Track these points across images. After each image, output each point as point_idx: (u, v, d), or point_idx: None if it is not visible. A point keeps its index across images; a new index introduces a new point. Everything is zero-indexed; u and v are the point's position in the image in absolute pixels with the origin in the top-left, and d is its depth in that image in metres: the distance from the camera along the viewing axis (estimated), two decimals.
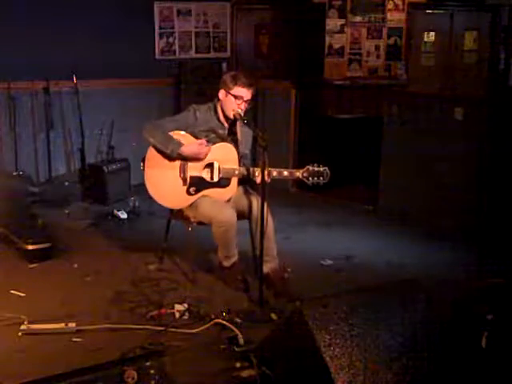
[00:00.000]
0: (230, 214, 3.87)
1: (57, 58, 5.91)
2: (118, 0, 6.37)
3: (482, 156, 4.98)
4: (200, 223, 4.03)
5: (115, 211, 5.53)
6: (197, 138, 3.97)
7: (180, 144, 3.90)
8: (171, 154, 3.92)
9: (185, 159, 3.95)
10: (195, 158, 3.93)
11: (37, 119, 6.16)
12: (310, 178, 3.84)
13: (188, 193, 3.97)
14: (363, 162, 6.20)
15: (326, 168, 3.85)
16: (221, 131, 4.02)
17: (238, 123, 4.04)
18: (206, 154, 3.93)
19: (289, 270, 4.21)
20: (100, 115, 6.29)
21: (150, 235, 4.92)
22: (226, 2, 7.09)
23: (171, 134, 3.95)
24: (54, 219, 5.28)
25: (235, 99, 3.88)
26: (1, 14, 5.76)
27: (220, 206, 3.92)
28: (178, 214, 4.15)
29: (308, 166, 3.84)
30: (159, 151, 3.95)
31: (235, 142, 4.04)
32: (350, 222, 5.52)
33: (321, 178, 3.84)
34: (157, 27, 6.77)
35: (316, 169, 3.83)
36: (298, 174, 3.86)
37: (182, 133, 3.98)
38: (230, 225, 3.86)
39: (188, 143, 3.92)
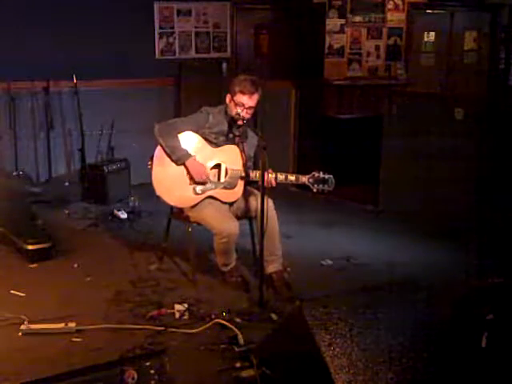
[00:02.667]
0: (232, 227, 3.87)
1: (57, 58, 5.92)
2: (118, 0, 6.37)
3: (482, 156, 4.98)
4: (200, 223, 4.03)
5: (115, 211, 5.53)
6: (206, 140, 3.98)
7: (187, 155, 3.91)
8: (176, 162, 3.93)
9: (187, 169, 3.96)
10: (192, 175, 3.94)
11: (37, 119, 6.17)
12: (316, 185, 3.86)
13: (194, 192, 3.97)
14: (363, 161, 6.20)
15: (331, 176, 3.87)
16: (230, 134, 4.03)
17: (248, 128, 4.04)
18: (204, 180, 3.93)
19: (289, 269, 4.21)
20: (100, 115, 6.29)
21: (150, 235, 4.93)
22: (226, 1, 7.08)
23: (185, 134, 3.95)
24: (54, 219, 5.29)
25: (236, 106, 3.89)
26: (1, 15, 5.77)
27: (223, 216, 3.92)
28: (177, 213, 4.15)
29: (314, 173, 3.87)
30: (166, 153, 3.96)
31: (242, 145, 4.04)
32: (350, 222, 5.52)
33: (326, 186, 3.86)
34: (157, 27, 6.77)
35: (321, 176, 3.86)
36: (304, 179, 3.88)
37: (194, 135, 3.97)
38: (231, 237, 3.86)
39: (197, 161, 3.93)
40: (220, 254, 3.97)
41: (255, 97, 3.92)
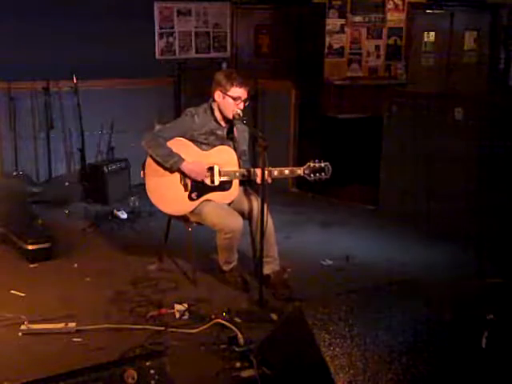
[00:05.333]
0: (237, 222, 3.84)
1: (57, 58, 5.91)
2: (118, 0, 6.37)
3: (482, 156, 4.98)
4: (200, 223, 4.02)
5: (115, 211, 5.53)
6: (197, 142, 3.95)
7: (180, 160, 3.88)
8: (170, 170, 3.90)
9: (183, 173, 3.93)
10: (191, 177, 3.92)
11: (37, 119, 6.16)
12: (312, 175, 3.84)
13: (190, 198, 3.94)
14: (363, 161, 6.20)
15: (328, 163, 3.85)
16: (219, 132, 4.00)
17: (234, 121, 4.01)
18: (205, 177, 3.91)
19: (289, 269, 4.20)
20: (100, 115, 6.29)
21: (150, 235, 4.92)
22: (226, 1, 7.09)
23: (174, 141, 3.92)
24: (54, 219, 5.28)
25: (234, 100, 3.85)
26: (1, 14, 5.76)
27: (226, 213, 3.89)
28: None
29: (309, 163, 3.84)
30: (158, 163, 3.94)
31: (233, 141, 4.03)
32: (350, 222, 5.52)
33: (322, 174, 3.84)
34: (157, 27, 6.77)
35: (317, 165, 3.83)
36: (300, 171, 3.85)
37: (183, 140, 3.94)
38: (236, 233, 3.84)
39: (191, 161, 3.90)
40: (223, 251, 3.96)
41: (248, 87, 3.91)
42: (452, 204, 5.11)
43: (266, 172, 3.65)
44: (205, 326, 3.41)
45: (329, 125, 6.67)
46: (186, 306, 3.62)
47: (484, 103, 5.14)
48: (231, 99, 3.86)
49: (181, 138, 3.94)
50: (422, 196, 5.35)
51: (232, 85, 3.85)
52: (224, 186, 3.94)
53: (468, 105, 5.10)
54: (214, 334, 3.35)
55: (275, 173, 3.82)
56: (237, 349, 3.15)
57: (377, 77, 7.27)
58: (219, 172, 3.93)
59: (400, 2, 7.22)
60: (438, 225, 5.10)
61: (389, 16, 7.22)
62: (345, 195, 6.28)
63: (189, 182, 3.94)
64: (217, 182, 3.94)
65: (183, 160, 3.89)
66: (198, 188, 3.94)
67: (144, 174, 4.00)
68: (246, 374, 2.91)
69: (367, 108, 6.70)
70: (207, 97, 4.02)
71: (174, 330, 3.38)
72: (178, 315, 3.56)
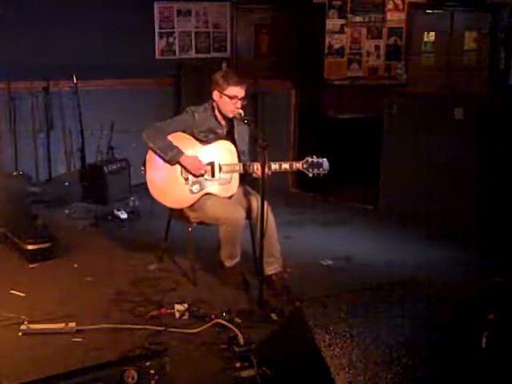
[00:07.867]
0: (239, 214, 3.88)
1: (57, 58, 5.91)
2: (118, 0, 6.37)
3: (482, 156, 4.98)
4: (200, 223, 4.03)
5: (115, 211, 5.53)
6: (196, 139, 3.98)
7: (180, 153, 3.91)
8: (170, 161, 3.92)
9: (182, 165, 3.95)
10: (189, 171, 3.94)
11: (37, 119, 6.16)
12: (310, 170, 3.87)
13: (190, 191, 3.97)
14: (363, 161, 6.20)
15: (325, 159, 3.89)
16: (219, 131, 4.02)
17: (234, 121, 4.04)
18: (202, 175, 3.94)
19: (289, 270, 4.20)
20: (100, 115, 6.28)
21: (150, 235, 4.92)
22: (226, 1, 7.09)
23: (174, 135, 3.94)
24: (54, 219, 5.29)
25: (230, 99, 3.88)
26: (1, 14, 5.76)
27: (228, 205, 3.93)
28: (177, 213, 4.14)
29: (307, 158, 3.88)
30: (158, 155, 3.96)
31: (233, 141, 4.05)
32: (350, 222, 5.52)
33: (321, 169, 3.88)
34: (157, 27, 6.77)
35: (315, 160, 3.87)
36: (299, 165, 3.89)
37: (183, 135, 3.97)
38: (239, 225, 3.87)
39: (190, 155, 3.93)
40: (226, 244, 3.96)
41: (245, 86, 3.93)
42: (452, 204, 5.12)
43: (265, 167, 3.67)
44: (205, 326, 3.41)
45: (329, 125, 6.66)
46: (186, 306, 3.62)
47: (484, 103, 5.14)
48: (228, 98, 3.89)
49: (181, 133, 3.97)
50: (422, 196, 5.35)
51: (228, 84, 3.88)
52: (224, 180, 3.97)
53: (468, 105, 5.10)
54: (213, 334, 3.36)
55: (274, 166, 3.85)
56: (237, 349, 3.15)
57: (377, 77, 7.27)
58: (219, 166, 3.94)
59: (400, 2, 7.22)
60: (437, 225, 5.11)
61: (389, 16, 7.22)
62: (345, 195, 6.28)
63: (189, 175, 3.96)
64: (217, 176, 3.96)
65: (182, 153, 3.91)
66: (199, 181, 3.96)
67: (145, 169, 4.01)
68: (245, 373, 2.91)
69: (367, 108, 6.69)
70: (207, 97, 4.04)
71: (173, 329, 3.38)
72: (177, 315, 3.56)
